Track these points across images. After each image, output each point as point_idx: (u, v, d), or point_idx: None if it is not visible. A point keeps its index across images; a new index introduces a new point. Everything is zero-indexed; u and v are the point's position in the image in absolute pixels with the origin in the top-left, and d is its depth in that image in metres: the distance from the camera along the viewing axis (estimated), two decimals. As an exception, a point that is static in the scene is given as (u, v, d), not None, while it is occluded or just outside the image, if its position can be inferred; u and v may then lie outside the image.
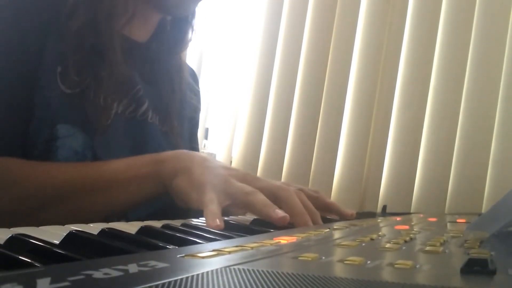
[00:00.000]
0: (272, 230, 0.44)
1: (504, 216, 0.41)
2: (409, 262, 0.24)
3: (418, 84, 1.45)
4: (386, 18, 1.48)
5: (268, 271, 0.20)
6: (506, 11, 1.41)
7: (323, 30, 1.48)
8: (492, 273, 0.22)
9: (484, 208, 1.36)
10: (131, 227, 0.37)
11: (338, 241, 0.33)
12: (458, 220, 0.65)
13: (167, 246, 0.30)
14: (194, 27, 0.83)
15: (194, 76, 0.92)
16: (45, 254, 0.27)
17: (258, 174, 1.43)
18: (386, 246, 0.31)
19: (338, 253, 0.28)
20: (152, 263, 0.21)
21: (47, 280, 0.17)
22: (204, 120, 1.42)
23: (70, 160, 0.62)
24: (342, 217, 0.68)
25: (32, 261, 0.24)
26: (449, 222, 0.64)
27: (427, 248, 0.30)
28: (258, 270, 0.21)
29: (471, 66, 1.42)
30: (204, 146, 1.46)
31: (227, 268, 0.21)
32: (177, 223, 0.44)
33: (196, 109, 0.89)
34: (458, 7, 1.44)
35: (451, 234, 0.41)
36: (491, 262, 0.23)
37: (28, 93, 0.61)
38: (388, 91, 1.47)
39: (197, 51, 1.41)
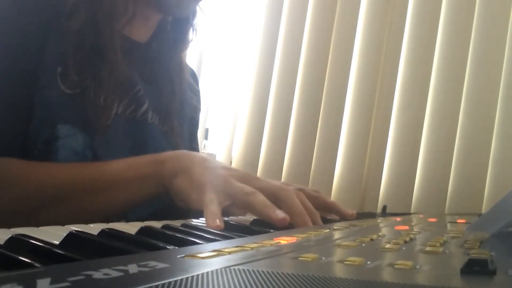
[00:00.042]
0: (272, 231, 0.44)
1: (504, 216, 0.41)
2: (409, 263, 0.24)
3: (418, 84, 1.45)
4: (386, 18, 1.48)
5: (268, 272, 0.20)
6: (506, 11, 1.41)
7: (323, 30, 1.48)
8: (492, 273, 0.22)
9: (484, 209, 1.36)
10: (131, 228, 0.37)
11: (338, 241, 0.33)
12: (458, 221, 0.65)
13: (167, 247, 0.30)
14: (195, 27, 0.83)
15: (194, 76, 0.92)
16: (45, 254, 0.27)
17: (258, 174, 1.43)
18: (386, 246, 0.31)
19: (338, 254, 0.28)
20: (152, 263, 0.21)
21: (47, 280, 0.17)
22: (204, 120, 1.42)
23: (70, 160, 0.62)
24: (343, 217, 0.68)
25: (32, 262, 0.24)
26: (449, 222, 0.64)
27: (427, 248, 0.30)
28: (258, 271, 0.21)
29: (471, 66, 1.42)
30: (204, 146, 1.46)
31: (227, 269, 0.21)
32: (177, 223, 0.44)
33: (196, 109, 0.89)
34: (458, 7, 1.44)
35: (451, 235, 0.41)
36: (491, 262, 0.23)
37: (28, 93, 0.61)
38: (388, 91, 1.47)
39: (197, 51, 1.41)
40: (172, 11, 0.77)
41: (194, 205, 0.52)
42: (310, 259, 0.25)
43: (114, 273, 0.19)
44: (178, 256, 0.24)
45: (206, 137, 1.48)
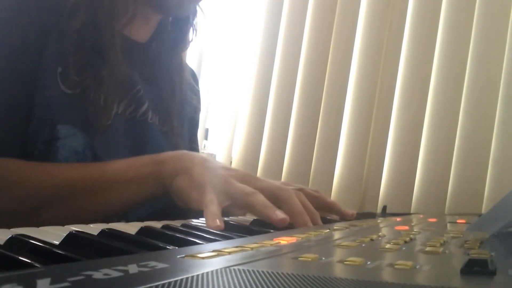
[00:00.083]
0: (272, 231, 0.44)
1: (504, 216, 0.41)
2: (409, 263, 0.24)
3: (418, 84, 1.45)
4: (386, 18, 1.48)
5: (268, 272, 0.20)
6: (506, 11, 1.41)
7: (323, 30, 1.48)
8: (492, 273, 0.22)
9: (484, 209, 1.36)
10: (131, 228, 0.37)
11: (338, 241, 0.33)
12: (458, 221, 0.65)
13: (167, 247, 0.30)
14: (195, 27, 0.83)
15: (194, 76, 0.92)
16: (45, 254, 0.27)
17: (258, 174, 1.43)
18: (386, 246, 0.31)
19: (338, 254, 0.28)
20: (152, 263, 0.21)
21: (47, 280, 0.17)
22: (204, 120, 1.42)
23: (70, 160, 0.62)
24: (343, 217, 0.68)
25: (32, 262, 0.24)
26: (449, 222, 0.64)
27: (427, 248, 0.30)
28: (258, 271, 0.21)
29: (471, 66, 1.42)
30: (204, 146, 1.46)
31: (227, 269, 0.21)
32: (177, 223, 0.44)
33: (196, 109, 0.89)
34: (458, 7, 1.44)
35: (451, 235, 0.41)
36: (491, 262, 0.23)
37: (28, 93, 0.61)
38: (388, 91, 1.47)
39: (197, 51, 1.41)
40: (172, 11, 0.77)
41: (194, 205, 0.52)
42: (310, 259, 0.25)
43: (114, 273, 0.19)
44: (178, 256, 0.24)
45: (206, 137, 1.48)
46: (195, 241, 0.33)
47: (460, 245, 0.34)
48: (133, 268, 0.20)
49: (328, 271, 0.23)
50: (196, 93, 0.90)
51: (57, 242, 0.30)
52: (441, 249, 0.30)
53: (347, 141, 1.48)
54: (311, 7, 1.49)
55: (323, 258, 0.25)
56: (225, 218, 0.50)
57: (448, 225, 0.59)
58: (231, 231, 0.42)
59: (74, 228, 0.34)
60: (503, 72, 1.40)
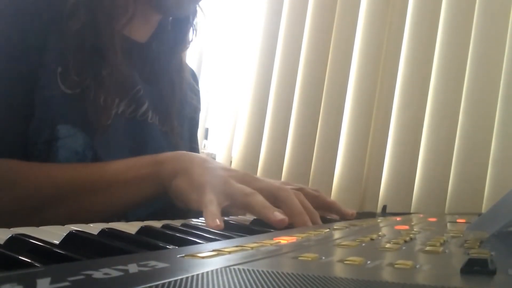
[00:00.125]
0: (272, 230, 0.44)
1: (504, 216, 0.41)
2: (409, 262, 0.24)
3: (418, 84, 1.45)
4: (386, 18, 1.48)
5: (268, 271, 0.20)
6: (506, 11, 1.41)
7: (323, 30, 1.48)
8: (492, 273, 0.22)
9: (484, 208, 1.36)
10: (131, 227, 0.37)
11: (338, 241, 0.33)
12: (458, 220, 0.65)
13: (167, 246, 0.30)
14: (195, 27, 0.83)
15: (194, 76, 0.92)
16: (45, 254, 0.27)
17: (258, 174, 1.43)
18: (386, 246, 0.31)
19: (338, 253, 0.28)
20: (152, 263, 0.21)
21: (47, 280, 0.17)
22: (204, 120, 1.42)
23: (71, 160, 0.62)
24: (343, 216, 0.68)
25: (32, 261, 0.24)
26: (449, 222, 0.64)
27: (427, 248, 0.30)
28: (258, 270, 0.21)
29: (471, 66, 1.42)
30: (204, 146, 1.46)
31: (227, 268, 0.21)
32: (177, 223, 0.44)
33: (196, 109, 0.89)
34: (458, 7, 1.44)
35: (451, 234, 0.41)
36: (491, 262, 0.23)
37: (28, 93, 0.61)
38: (388, 91, 1.47)
39: (197, 51, 1.41)
40: (172, 11, 0.77)
41: (194, 206, 0.52)
42: (310, 259, 0.25)
43: (114, 273, 0.19)
44: (178, 256, 0.24)
45: (206, 137, 1.48)
46: (195, 241, 0.33)
47: (460, 244, 0.34)
48: (133, 268, 0.20)
49: (328, 270, 0.23)
50: (196, 93, 0.90)
51: (57, 242, 0.30)
52: (441, 249, 0.30)
53: (347, 141, 1.48)
54: (311, 7, 1.49)
55: (323, 258, 0.25)
56: (225, 218, 0.50)
57: (448, 224, 0.59)
58: (231, 230, 0.42)
59: (74, 227, 0.34)
60: (503, 72, 1.40)
